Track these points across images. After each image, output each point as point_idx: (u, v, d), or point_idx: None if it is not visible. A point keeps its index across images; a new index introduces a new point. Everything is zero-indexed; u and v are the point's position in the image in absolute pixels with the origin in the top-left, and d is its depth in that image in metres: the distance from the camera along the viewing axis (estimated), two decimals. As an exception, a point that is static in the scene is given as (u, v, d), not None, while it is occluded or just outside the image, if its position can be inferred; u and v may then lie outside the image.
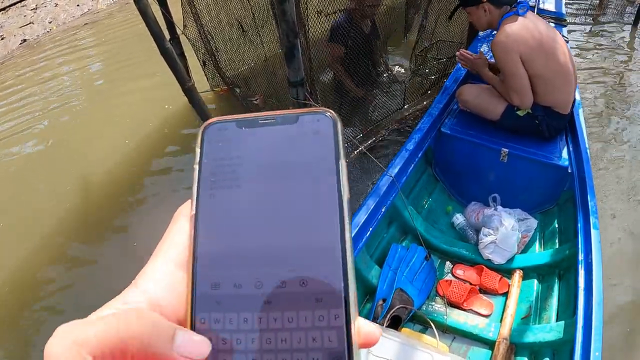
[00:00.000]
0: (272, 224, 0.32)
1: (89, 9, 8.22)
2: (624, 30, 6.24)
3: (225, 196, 0.34)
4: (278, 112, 0.36)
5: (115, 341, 0.28)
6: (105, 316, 0.29)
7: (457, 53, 3.25)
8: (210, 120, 0.37)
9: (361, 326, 0.30)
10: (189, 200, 0.35)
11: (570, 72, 2.77)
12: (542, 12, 4.24)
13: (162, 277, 0.33)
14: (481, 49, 3.29)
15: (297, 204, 0.33)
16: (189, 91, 3.00)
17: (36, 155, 4.51)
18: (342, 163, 0.34)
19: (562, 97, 2.80)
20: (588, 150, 2.80)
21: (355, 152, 3.59)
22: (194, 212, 0.34)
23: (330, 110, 0.35)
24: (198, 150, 0.36)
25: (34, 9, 8.08)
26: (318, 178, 0.33)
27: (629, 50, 5.82)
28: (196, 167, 0.35)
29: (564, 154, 2.85)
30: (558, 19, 3.80)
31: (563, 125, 2.89)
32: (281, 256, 0.31)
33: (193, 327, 0.31)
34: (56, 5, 8.24)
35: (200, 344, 0.30)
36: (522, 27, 2.60)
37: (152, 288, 0.32)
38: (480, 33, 4.09)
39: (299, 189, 0.33)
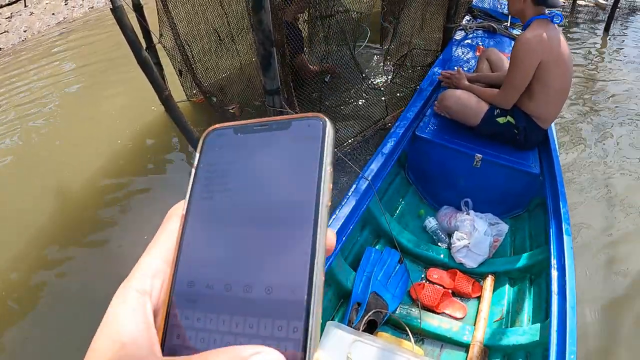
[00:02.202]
0: (252, 230, 0.33)
1: (64, 18, 8.18)
2: (595, 36, 6.36)
3: (213, 200, 0.35)
4: (274, 117, 0.36)
5: None
6: None
7: (439, 76, 3.42)
8: (212, 127, 0.38)
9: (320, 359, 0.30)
10: (182, 201, 0.37)
11: (567, 94, 2.86)
12: (515, 21, 4.33)
13: (155, 275, 0.34)
14: (458, 67, 3.35)
15: (276, 211, 0.33)
16: (167, 100, 3.00)
17: (8, 162, 4.47)
18: (327, 169, 0.33)
19: (552, 112, 2.88)
20: (559, 159, 2.86)
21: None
22: (184, 212, 0.36)
23: (323, 116, 0.35)
24: (197, 155, 0.37)
25: (8, 17, 8.02)
26: (299, 185, 0.33)
27: (600, 55, 5.93)
28: (193, 170, 0.37)
29: (536, 161, 2.91)
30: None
31: (540, 139, 2.96)
32: (254, 262, 0.32)
33: (167, 321, 0.32)
34: (31, 14, 8.19)
35: None
36: (552, 35, 2.63)
37: (147, 286, 0.33)
38: (457, 37, 4.16)
39: (281, 196, 0.33)
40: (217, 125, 0.38)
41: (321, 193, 0.32)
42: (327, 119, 0.35)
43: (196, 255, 0.34)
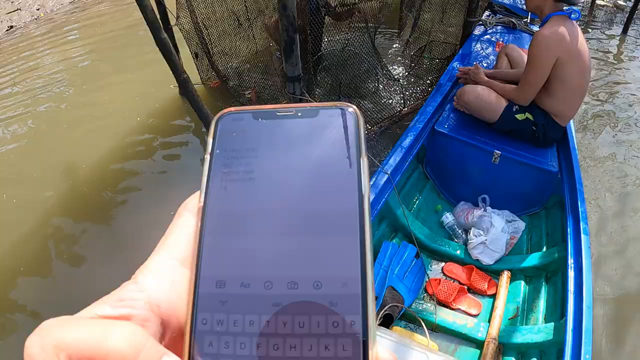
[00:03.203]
0: (287, 221, 0.30)
1: (77, -4, 8.16)
2: (613, 37, 6.32)
3: (237, 189, 0.32)
4: (297, 105, 0.34)
5: (95, 353, 0.25)
6: (91, 320, 0.27)
7: (457, 73, 3.40)
8: (225, 110, 0.35)
9: (379, 351, 0.28)
10: (195, 194, 0.34)
11: (585, 91, 2.84)
12: (534, 17, 4.29)
13: (164, 274, 0.31)
14: (476, 63, 3.33)
15: (314, 202, 0.31)
16: (184, 83, 2.98)
17: (22, 143, 4.47)
18: (364, 160, 0.32)
19: (570, 109, 2.85)
20: (578, 157, 2.84)
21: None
22: (202, 204, 0.32)
23: (353, 106, 0.34)
24: (210, 140, 0.34)
25: (22, -6, 8.00)
26: (337, 175, 0.31)
27: (617, 56, 5.89)
28: (207, 157, 0.34)
29: (554, 159, 2.89)
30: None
31: (558, 136, 2.94)
32: (295, 256, 0.29)
33: (194, 328, 0.29)
34: (45, -8, 8.16)
35: None
36: (569, 32, 2.60)
37: (152, 285, 0.30)
38: (476, 32, 4.12)
39: (316, 186, 0.31)
40: (231, 109, 0.35)
41: (363, 184, 0.31)
42: (357, 109, 0.34)
43: (223, 253, 0.30)
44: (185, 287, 0.30)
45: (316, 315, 0.27)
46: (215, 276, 0.30)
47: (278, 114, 0.34)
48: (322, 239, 0.30)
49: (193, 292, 0.29)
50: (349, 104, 0.34)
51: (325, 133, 0.33)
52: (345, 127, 0.33)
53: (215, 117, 0.35)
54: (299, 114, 0.34)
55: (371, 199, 2.37)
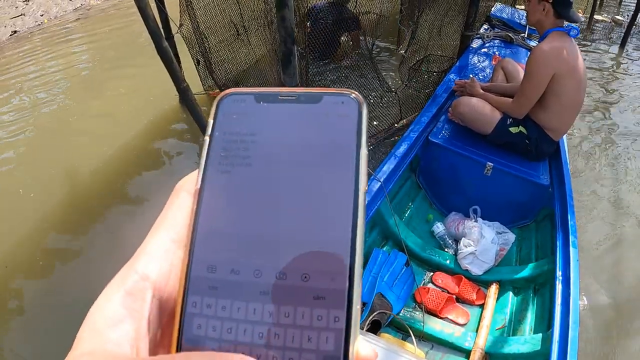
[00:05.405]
0: (281, 209, 0.30)
1: (81, 4, 8.21)
2: (610, 51, 6.37)
3: (234, 173, 0.32)
4: (301, 89, 0.33)
5: None
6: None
7: (454, 86, 3.43)
8: (227, 91, 0.35)
9: (360, 347, 0.28)
10: (191, 174, 0.34)
11: (580, 107, 2.87)
12: (532, 32, 4.34)
13: (164, 257, 0.31)
14: (472, 76, 3.38)
15: (309, 191, 0.30)
16: (184, 91, 3.01)
17: (23, 149, 4.50)
18: (363, 151, 0.31)
19: (564, 124, 2.90)
20: (570, 172, 2.88)
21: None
22: (198, 186, 0.32)
23: (357, 93, 0.33)
24: (211, 122, 0.34)
25: (26, 0, 8.05)
26: (335, 165, 0.31)
27: (614, 70, 5.93)
28: (207, 139, 0.33)
29: (546, 172, 2.92)
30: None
31: (550, 150, 2.97)
32: (286, 245, 0.29)
33: (184, 310, 0.29)
34: (49, -2, 8.23)
35: None
36: (567, 48, 2.64)
37: (154, 270, 0.31)
38: (474, 45, 4.17)
39: (313, 175, 0.31)
40: (233, 90, 0.35)
41: (360, 176, 0.30)
42: (362, 97, 0.33)
43: (216, 237, 0.31)
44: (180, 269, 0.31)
45: (301, 306, 0.28)
46: (207, 260, 0.30)
47: (280, 97, 0.33)
48: (316, 230, 0.29)
49: (185, 275, 0.30)
50: (353, 92, 0.33)
51: (326, 120, 0.32)
52: (347, 115, 0.32)
53: (218, 98, 0.35)
54: (302, 99, 0.33)
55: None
